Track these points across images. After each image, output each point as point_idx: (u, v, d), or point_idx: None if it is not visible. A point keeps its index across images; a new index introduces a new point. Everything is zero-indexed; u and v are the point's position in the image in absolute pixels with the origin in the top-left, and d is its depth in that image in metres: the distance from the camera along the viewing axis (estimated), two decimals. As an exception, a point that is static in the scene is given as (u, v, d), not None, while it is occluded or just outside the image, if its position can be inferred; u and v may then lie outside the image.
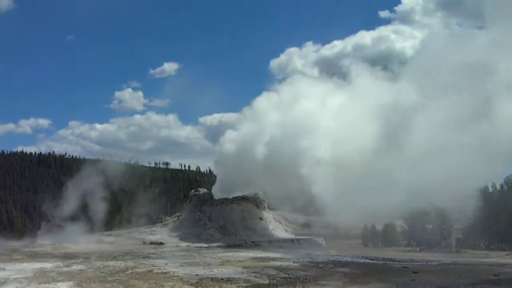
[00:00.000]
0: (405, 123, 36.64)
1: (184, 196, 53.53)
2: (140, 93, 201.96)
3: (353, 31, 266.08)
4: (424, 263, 28.85)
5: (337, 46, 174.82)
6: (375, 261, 29.70)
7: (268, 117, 46.97)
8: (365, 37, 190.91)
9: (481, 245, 55.63)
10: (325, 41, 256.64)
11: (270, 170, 41.78)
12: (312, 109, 44.38)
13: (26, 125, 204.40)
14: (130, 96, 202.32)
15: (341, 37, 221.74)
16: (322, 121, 42.62)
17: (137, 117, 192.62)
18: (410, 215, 50.60)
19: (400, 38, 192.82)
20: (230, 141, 48.11)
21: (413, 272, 23.35)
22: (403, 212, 41.41)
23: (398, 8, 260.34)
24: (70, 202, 44.71)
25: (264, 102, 49.38)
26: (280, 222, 46.46)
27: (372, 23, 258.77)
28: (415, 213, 47.99)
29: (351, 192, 34.76)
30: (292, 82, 52.74)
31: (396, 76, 43.20)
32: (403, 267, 26.39)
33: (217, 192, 47.54)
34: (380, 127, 38.09)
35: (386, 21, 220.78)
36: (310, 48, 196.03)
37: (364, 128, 39.03)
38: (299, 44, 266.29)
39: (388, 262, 29.52)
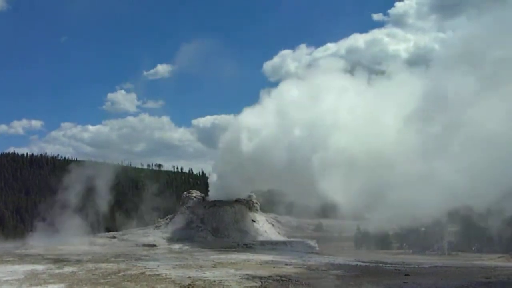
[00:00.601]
0: (450, 118, 34.83)
1: (177, 198, 53.30)
2: (133, 95, 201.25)
3: (346, 33, 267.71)
4: (416, 266, 28.95)
5: (330, 48, 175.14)
6: (367, 264, 29.75)
7: (290, 110, 45.17)
8: (358, 40, 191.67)
9: (473, 248, 55.71)
10: (318, 43, 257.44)
11: (292, 169, 40.11)
12: (342, 104, 42.93)
13: (18, 126, 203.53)
14: (123, 98, 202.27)
15: (335, 40, 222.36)
16: (355, 117, 41.14)
17: (130, 118, 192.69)
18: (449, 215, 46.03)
19: (393, 41, 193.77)
20: (246, 135, 45.78)
21: (405, 275, 23.43)
22: (442, 212, 38.77)
23: (391, 11, 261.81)
24: (62, 204, 44.49)
25: (286, 89, 48.50)
26: (272, 225, 46.46)
27: (366, 26, 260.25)
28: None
29: (386, 193, 33.95)
30: (317, 73, 49.93)
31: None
32: (395, 269, 26.46)
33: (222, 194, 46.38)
34: (424, 122, 36.22)
35: (380, 24, 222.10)
36: (303, 50, 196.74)
37: (404, 123, 37.30)
38: (293, 47, 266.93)
39: (381, 264, 29.56)
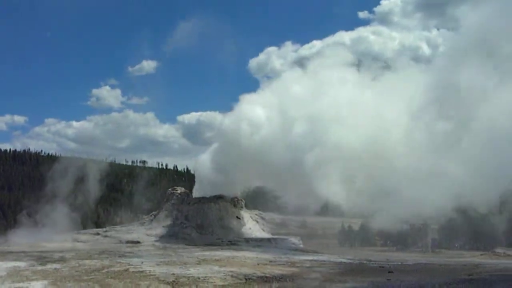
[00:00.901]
0: (459, 114, 34.30)
1: (161, 195, 53.09)
2: (118, 91, 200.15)
3: (332, 31, 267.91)
4: (400, 263, 29.12)
5: (316, 46, 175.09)
6: (351, 261, 29.86)
7: (291, 103, 44.10)
8: (344, 38, 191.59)
9: (456, 245, 56.26)
10: (304, 41, 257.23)
11: (295, 168, 39.35)
12: (346, 99, 42.24)
13: (1, 121, 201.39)
14: (107, 94, 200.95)
15: (320, 37, 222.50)
16: (360, 113, 40.61)
17: (115, 114, 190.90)
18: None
19: (379, 39, 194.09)
20: (245, 129, 44.48)
21: (389, 272, 23.56)
22: (445, 210, 37.57)
23: (377, 9, 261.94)
24: (45, 200, 44.18)
25: (287, 81, 47.70)
26: (257, 222, 46.43)
27: (351, 23, 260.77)
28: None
29: (388, 191, 33.64)
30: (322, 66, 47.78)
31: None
32: (379, 267, 26.60)
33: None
34: (431, 118, 35.65)
35: (365, 22, 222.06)
36: (289, 47, 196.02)
37: (412, 120, 36.78)
38: (278, 44, 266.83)
39: (365, 262, 29.70)
